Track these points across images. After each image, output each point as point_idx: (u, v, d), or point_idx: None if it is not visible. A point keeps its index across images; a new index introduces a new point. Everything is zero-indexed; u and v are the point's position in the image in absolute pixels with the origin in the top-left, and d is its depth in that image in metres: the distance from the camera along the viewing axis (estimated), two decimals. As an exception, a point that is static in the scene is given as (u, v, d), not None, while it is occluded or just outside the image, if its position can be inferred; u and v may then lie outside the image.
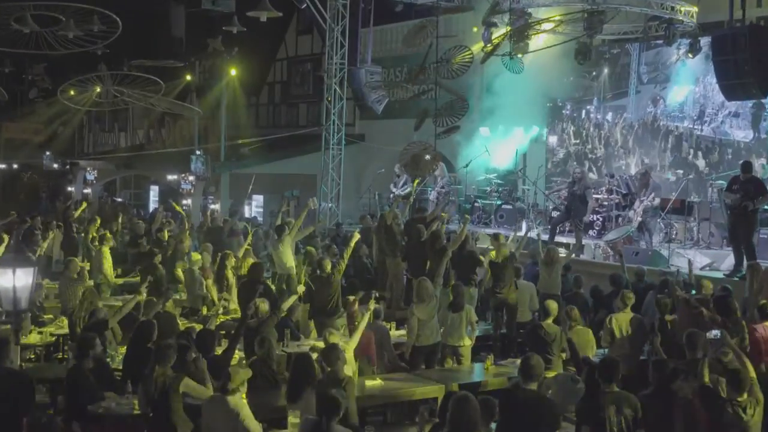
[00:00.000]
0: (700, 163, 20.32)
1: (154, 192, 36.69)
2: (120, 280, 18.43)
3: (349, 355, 10.87)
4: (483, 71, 24.28)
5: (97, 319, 11.11)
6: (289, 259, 15.98)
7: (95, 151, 43.96)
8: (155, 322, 10.54)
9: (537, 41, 21.49)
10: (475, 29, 20.10)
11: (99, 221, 20.46)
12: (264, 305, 11.69)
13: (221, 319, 14.82)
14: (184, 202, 29.47)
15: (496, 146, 23.66)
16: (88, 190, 36.51)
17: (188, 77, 32.10)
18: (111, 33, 20.50)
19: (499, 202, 21.86)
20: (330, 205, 25.12)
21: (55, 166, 39.09)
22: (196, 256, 16.40)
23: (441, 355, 12.86)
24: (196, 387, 8.55)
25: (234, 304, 14.97)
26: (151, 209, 35.37)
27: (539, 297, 14.76)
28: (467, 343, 12.85)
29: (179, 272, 16.86)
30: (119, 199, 36.18)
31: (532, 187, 21.82)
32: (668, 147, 21.24)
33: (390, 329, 13.75)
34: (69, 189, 37.70)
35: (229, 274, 15.63)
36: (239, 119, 31.58)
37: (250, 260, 16.05)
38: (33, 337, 12.82)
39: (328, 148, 25.02)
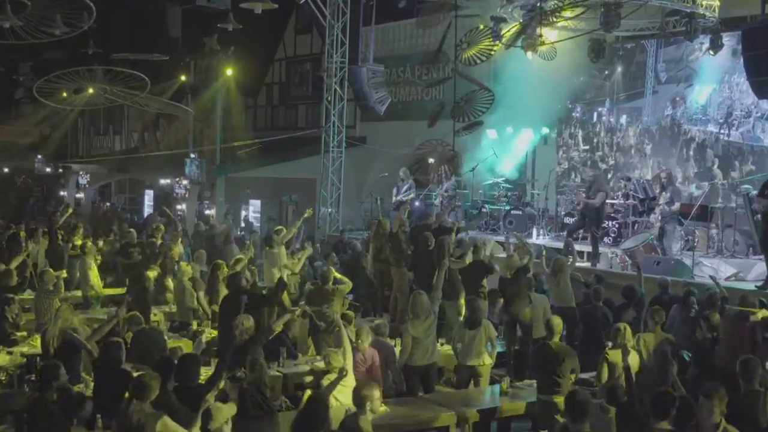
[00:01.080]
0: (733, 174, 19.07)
1: (148, 196, 35.71)
2: (110, 291, 17.40)
3: (349, 381, 9.82)
4: (489, 69, 23.29)
5: (72, 340, 9.99)
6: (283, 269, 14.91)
7: (89, 154, 42.85)
8: (121, 342, 9.40)
9: (548, 37, 20.52)
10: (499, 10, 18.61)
11: (81, 229, 19.37)
12: (248, 321, 10.59)
13: (213, 334, 13.79)
14: (179, 207, 28.46)
15: (504, 148, 22.55)
16: (80, 195, 35.51)
17: (183, 77, 30.97)
18: (80, 23, 19.26)
19: (507, 207, 20.79)
20: (330, 210, 24.05)
21: (48, 169, 38.04)
22: (185, 266, 15.26)
23: (458, 377, 11.86)
24: (177, 430, 7.42)
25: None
26: (146, 214, 34.48)
27: (553, 312, 13.72)
28: (488, 361, 11.77)
29: (169, 282, 15.79)
30: (112, 204, 35.08)
31: (542, 191, 20.69)
32: (690, 155, 20.06)
33: (396, 346, 12.71)
34: (61, 193, 36.65)
35: (222, 285, 14.52)
36: (236, 121, 30.48)
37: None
38: (2, 358, 11.72)
39: (328, 150, 23.98)
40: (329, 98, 23.73)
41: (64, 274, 15.24)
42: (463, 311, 12.79)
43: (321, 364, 11.26)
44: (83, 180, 35.23)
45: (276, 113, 33.53)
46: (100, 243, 17.94)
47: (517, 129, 22.35)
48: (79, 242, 18.33)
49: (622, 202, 18.29)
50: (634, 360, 10.00)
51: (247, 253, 18.07)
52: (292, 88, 32.55)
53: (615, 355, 10.03)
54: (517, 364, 13.20)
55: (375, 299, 16.41)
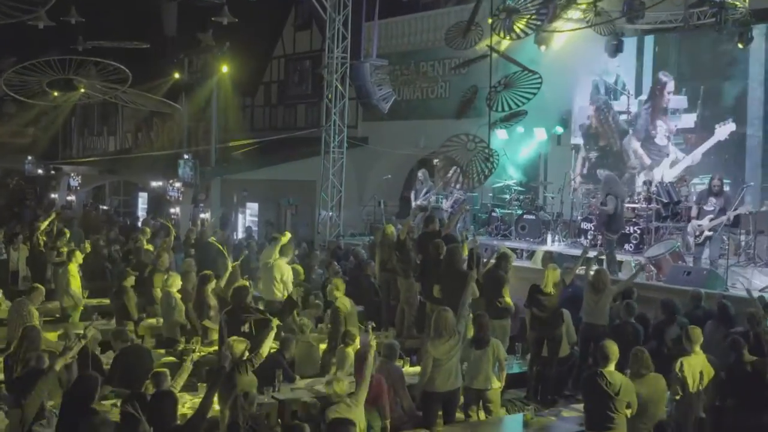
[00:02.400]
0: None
1: (142, 199, 34.48)
2: (94, 301, 16.16)
3: (359, 413, 8.59)
4: (497, 65, 22.03)
5: (35, 367, 8.71)
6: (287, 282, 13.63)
7: (83, 156, 41.60)
8: (96, 377, 8.13)
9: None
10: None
11: (69, 234, 18.14)
12: (240, 345, 9.37)
13: (203, 352, 12.56)
14: (172, 210, 27.22)
15: (515, 149, 21.29)
16: (72, 197, 34.25)
17: (177, 75, 29.69)
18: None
19: (519, 212, 19.55)
20: (331, 214, 22.80)
21: (40, 171, 36.78)
22: (174, 276, 14.00)
23: (465, 400, 10.58)
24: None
25: (216, 334, 12.63)
26: (140, 217, 33.25)
27: (582, 327, 12.49)
28: (496, 385, 10.60)
29: (158, 293, 14.52)
30: (105, 207, 33.82)
31: (557, 194, 19.42)
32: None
33: (403, 365, 11.48)
34: (52, 196, 35.41)
35: (210, 298, 13.28)
36: (232, 120, 29.20)
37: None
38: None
39: (329, 151, 22.75)
40: (330, 96, 22.50)
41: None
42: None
43: (322, 387, 10.05)
44: (74, 182, 33.96)
45: (274, 113, 32.24)
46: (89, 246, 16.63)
47: (528, 128, 21.06)
48: (65, 249, 17.11)
49: (644, 206, 17.07)
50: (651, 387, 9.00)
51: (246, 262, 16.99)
52: (291, 86, 31.28)
53: (637, 385, 8.92)
54: (539, 387, 12.01)
55: (381, 311, 15.15)
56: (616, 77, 20.24)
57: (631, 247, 17.00)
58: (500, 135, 21.40)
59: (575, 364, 12.43)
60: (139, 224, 28.38)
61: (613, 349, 8.83)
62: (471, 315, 11.10)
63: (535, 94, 18.45)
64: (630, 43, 19.27)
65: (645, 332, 11.98)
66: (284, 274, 13.69)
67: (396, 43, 25.86)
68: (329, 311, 12.79)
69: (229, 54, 27.53)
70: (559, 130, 21.00)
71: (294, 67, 31.04)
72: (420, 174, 20.82)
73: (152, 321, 14.65)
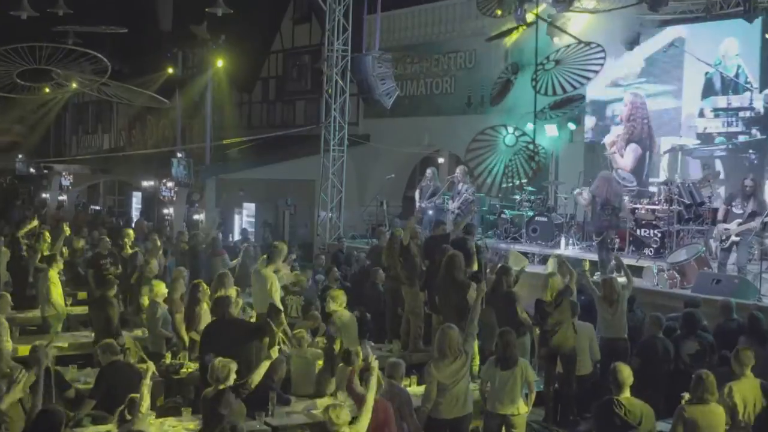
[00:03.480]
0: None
1: (136, 199, 33.41)
2: (79, 309, 15.12)
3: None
4: (506, 57, 21.02)
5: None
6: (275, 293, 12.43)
7: (78, 154, 40.55)
8: (60, 412, 7.03)
9: (578, 22, 18.28)
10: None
11: (48, 238, 17.06)
12: (226, 368, 8.29)
13: (190, 369, 11.50)
14: (165, 211, 26.15)
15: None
16: (63, 197, 33.19)
17: (170, 70, 28.57)
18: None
19: (530, 214, 18.45)
20: (331, 215, 21.71)
21: (32, 170, 35.68)
22: (158, 284, 12.91)
23: (485, 426, 9.57)
24: None
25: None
26: (134, 218, 32.22)
27: (600, 343, 11.43)
28: (523, 410, 9.52)
29: (146, 301, 13.42)
30: (97, 207, 32.77)
31: (570, 195, 18.31)
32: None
33: (409, 385, 10.41)
34: (44, 195, 34.35)
35: (203, 308, 12.19)
36: (228, 117, 28.09)
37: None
38: None
39: (329, 149, 21.67)
40: (329, 91, 21.42)
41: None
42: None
43: (321, 408, 9.02)
44: (66, 181, 32.88)
45: (272, 109, 31.13)
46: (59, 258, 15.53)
47: (538, 125, 19.93)
48: (46, 251, 16.04)
49: (665, 207, 15.98)
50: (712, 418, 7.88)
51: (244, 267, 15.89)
52: (290, 82, 30.16)
53: (696, 412, 7.75)
54: (557, 408, 10.94)
55: (388, 321, 14.10)
56: (737, 68, 16.92)
57: (650, 251, 15.91)
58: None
59: (597, 381, 11.35)
60: (133, 225, 27.48)
61: (626, 373, 7.86)
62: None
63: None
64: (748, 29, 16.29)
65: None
66: (272, 283, 12.48)
67: (399, 36, 24.76)
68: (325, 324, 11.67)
69: (225, 48, 26.48)
70: (572, 127, 19.82)
71: (293, 62, 29.92)
72: (429, 172, 19.64)
73: (138, 332, 13.62)
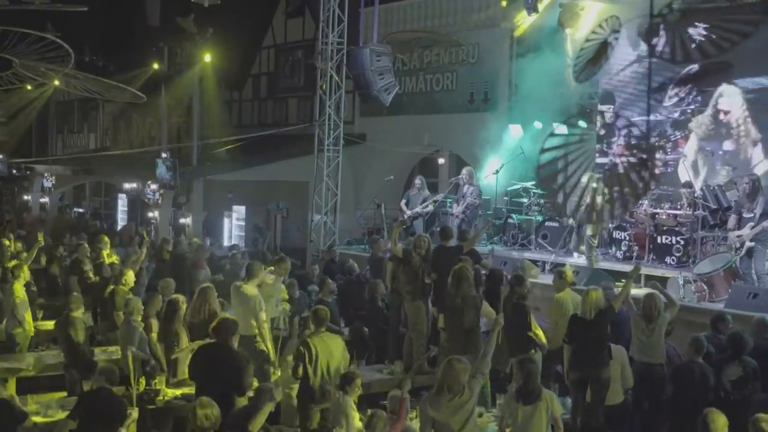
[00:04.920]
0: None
1: (122, 201, 32.10)
2: (50, 323, 13.77)
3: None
4: (511, 50, 19.75)
5: None
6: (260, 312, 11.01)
7: (63, 154, 39.19)
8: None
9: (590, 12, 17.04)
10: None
11: (12, 243, 15.77)
12: (211, 413, 7.01)
13: (168, 396, 10.20)
14: (150, 214, 24.84)
15: (532, 148, 18.83)
16: (45, 199, 31.85)
17: (156, 65, 27.21)
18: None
19: (540, 218, 17.19)
20: (325, 219, 20.39)
21: (15, 171, 34.31)
22: (133, 300, 11.59)
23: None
24: None
25: (185, 373, 10.21)
26: (119, 221, 30.97)
27: (633, 368, 10.11)
28: (549, 451, 8.18)
29: (120, 317, 12.10)
30: (81, 210, 31.45)
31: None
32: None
33: (415, 417, 9.11)
34: (25, 197, 33.01)
35: (180, 329, 10.87)
36: (216, 115, 26.69)
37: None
38: None
39: (323, 149, 20.34)
40: (324, 86, 20.06)
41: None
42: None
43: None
44: (48, 183, 31.53)
45: (263, 107, 29.74)
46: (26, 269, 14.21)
47: (547, 123, 18.66)
48: (11, 263, 14.69)
49: (688, 213, 14.72)
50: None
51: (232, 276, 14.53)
52: (282, 79, 28.79)
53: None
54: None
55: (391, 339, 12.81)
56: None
57: (673, 260, 14.67)
58: (514, 131, 19.02)
59: (628, 412, 10.06)
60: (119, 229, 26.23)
61: (720, 423, 6.47)
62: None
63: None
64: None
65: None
66: (256, 302, 11.04)
67: (396, 30, 23.42)
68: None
69: (214, 44, 25.14)
70: (582, 124, 18.51)
71: (285, 58, 28.54)
72: (417, 180, 18.46)
73: (113, 349, 12.32)
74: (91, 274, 15.24)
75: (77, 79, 19.76)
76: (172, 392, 10.35)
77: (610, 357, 9.52)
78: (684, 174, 16.34)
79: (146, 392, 10.31)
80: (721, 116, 16.14)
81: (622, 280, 14.43)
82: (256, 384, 8.74)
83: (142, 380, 10.55)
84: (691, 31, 16.04)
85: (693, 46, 16.16)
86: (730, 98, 15.98)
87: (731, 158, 15.93)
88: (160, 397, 10.22)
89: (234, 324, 9.21)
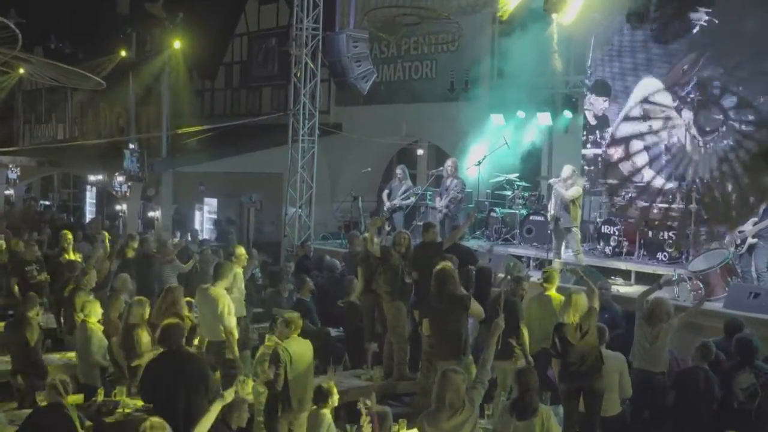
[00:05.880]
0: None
1: (90, 194, 31.14)
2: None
3: None
4: (493, 37, 19.02)
5: None
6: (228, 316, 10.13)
7: (31, 144, 38.16)
8: None
9: None
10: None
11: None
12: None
13: (128, 410, 9.38)
14: (118, 207, 23.96)
15: (513, 138, 18.10)
16: (10, 191, 30.84)
17: (123, 52, 26.25)
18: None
19: (524, 212, 16.48)
20: (299, 212, 19.57)
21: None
22: (91, 302, 10.75)
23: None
24: None
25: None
26: (87, 214, 30.05)
27: (633, 375, 9.39)
28: (545, 470, 7.42)
29: (79, 319, 11.21)
30: (47, 203, 30.48)
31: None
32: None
33: (399, 429, 8.37)
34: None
35: (142, 334, 10.05)
36: (187, 104, 25.79)
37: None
38: None
39: (297, 140, 19.50)
40: (298, 74, 19.20)
41: None
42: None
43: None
44: (13, 174, 30.50)
45: (236, 97, 28.82)
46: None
47: (530, 113, 17.95)
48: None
49: (681, 206, 14.06)
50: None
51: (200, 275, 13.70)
52: (255, 67, 27.90)
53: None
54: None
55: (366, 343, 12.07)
56: None
57: (664, 256, 14.00)
58: (496, 120, 18.32)
59: (626, 424, 9.34)
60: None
61: None
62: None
63: None
64: None
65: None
66: (224, 305, 10.20)
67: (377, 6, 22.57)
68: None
69: (184, 30, 24.22)
70: (568, 115, 17.79)
71: (258, 46, 27.65)
72: (399, 171, 17.68)
73: (71, 355, 11.48)
74: (35, 273, 14.38)
75: (30, 63, 18.78)
76: (134, 403, 9.52)
77: (602, 362, 8.77)
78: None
79: (104, 404, 9.50)
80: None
81: (613, 278, 14.01)
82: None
83: (101, 390, 9.74)
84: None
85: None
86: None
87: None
88: (120, 409, 9.39)
89: (180, 328, 8.32)
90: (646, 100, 15.89)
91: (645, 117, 15.90)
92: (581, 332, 8.68)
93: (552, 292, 10.64)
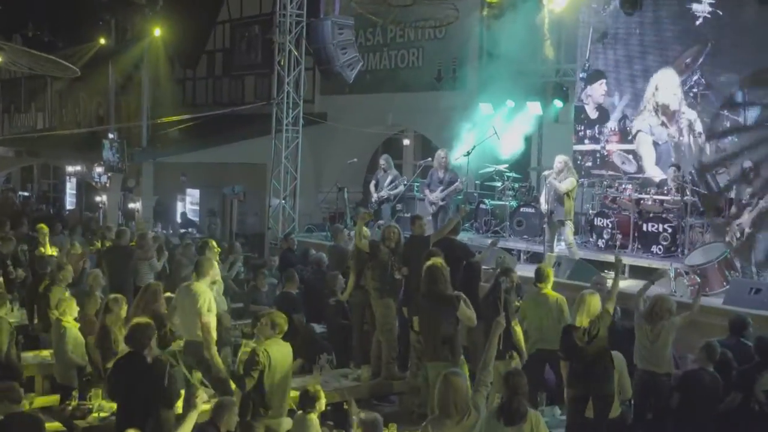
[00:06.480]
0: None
1: (71, 185, 30.59)
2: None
3: None
4: (482, 25, 18.61)
5: None
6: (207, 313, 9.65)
7: (9, 134, 37.50)
8: None
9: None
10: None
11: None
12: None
13: (104, 413, 8.96)
14: (98, 198, 23.45)
15: (502, 128, 17.63)
16: (-14, 182, 30.37)
17: (102, 40, 25.69)
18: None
19: (514, 204, 16.07)
20: (284, 203, 19.11)
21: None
22: (67, 299, 10.29)
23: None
24: None
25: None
26: (68, 207, 29.52)
27: (636, 376, 9.00)
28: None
29: (54, 316, 10.76)
30: (26, 194, 29.91)
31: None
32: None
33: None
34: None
35: (118, 334, 9.58)
36: (168, 93, 25.26)
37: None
38: None
39: (281, 129, 19.03)
40: (282, 62, 18.71)
41: None
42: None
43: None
44: (-10, 165, 30.04)
45: (218, 86, 28.27)
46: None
47: (520, 102, 17.51)
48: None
49: (676, 198, 13.68)
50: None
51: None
52: (238, 55, 27.34)
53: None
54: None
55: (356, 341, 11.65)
56: None
57: (659, 249, 13.61)
58: (484, 109, 17.87)
59: (627, 426, 8.95)
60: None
61: None
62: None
63: None
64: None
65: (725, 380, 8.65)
66: (206, 301, 9.77)
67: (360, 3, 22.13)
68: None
69: (165, 17, 23.63)
70: (558, 104, 17.36)
71: (241, 33, 27.10)
72: (382, 160, 17.17)
73: (45, 354, 11.04)
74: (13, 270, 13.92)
75: (3, 50, 18.22)
76: (110, 406, 9.07)
77: (613, 367, 8.37)
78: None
79: (78, 407, 9.06)
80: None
81: (606, 271, 13.60)
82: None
83: (75, 393, 9.30)
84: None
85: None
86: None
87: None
88: (95, 414, 8.96)
89: (149, 329, 7.85)
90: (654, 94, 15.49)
91: (653, 111, 15.51)
92: (590, 336, 8.26)
93: (548, 290, 10.21)
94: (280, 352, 8.22)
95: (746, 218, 12.17)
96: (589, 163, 16.46)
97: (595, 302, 8.36)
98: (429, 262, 9.38)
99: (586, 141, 16.67)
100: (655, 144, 15.50)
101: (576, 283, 11.99)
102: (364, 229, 11.40)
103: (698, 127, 14.54)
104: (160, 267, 13.60)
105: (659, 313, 9.00)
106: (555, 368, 9.31)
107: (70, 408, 9.11)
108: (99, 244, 13.97)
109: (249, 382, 8.02)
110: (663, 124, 15.39)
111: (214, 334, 9.37)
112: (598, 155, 16.40)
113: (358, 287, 11.31)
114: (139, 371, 7.56)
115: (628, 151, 15.87)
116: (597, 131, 16.48)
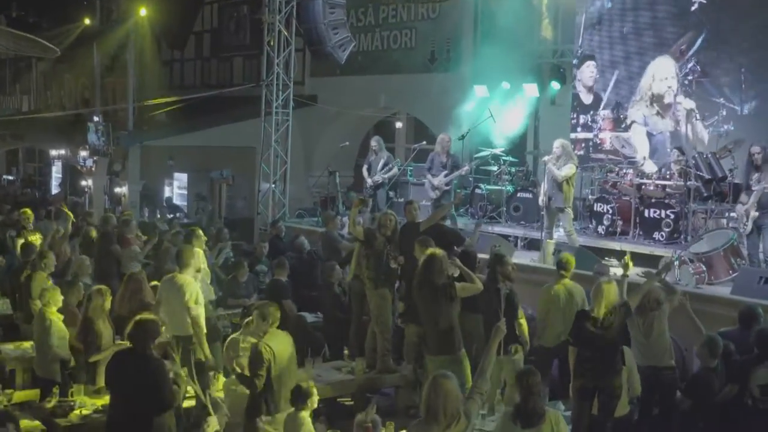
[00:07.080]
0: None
1: (56, 168, 30.10)
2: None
3: None
4: (476, 4, 18.39)
5: None
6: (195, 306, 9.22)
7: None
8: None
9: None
10: None
11: None
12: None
13: (86, 411, 8.50)
14: (84, 182, 22.98)
15: (497, 110, 17.20)
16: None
17: (87, 20, 25.18)
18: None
19: (511, 189, 15.66)
20: (273, 188, 18.68)
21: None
22: (52, 291, 9.82)
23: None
24: None
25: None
26: (54, 191, 29.03)
27: (640, 374, 8.62)
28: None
29: (36, 306, 10.32)
30: (10, 177, 29.39)
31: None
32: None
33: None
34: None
35: (103, 327, 9.14)
36: (155, 75, 24.79)
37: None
38: None
39: (271, 112, 18.65)
40: (271, 42, 18.27)
41: None
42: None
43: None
44: (-28, 150, 29.52)
45: (207, 67, 27.76)
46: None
47: (516, 84, 17.07)
48: None
49: (680, 183, 13.27)
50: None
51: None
52: (227, 36, 26.85)
53: None
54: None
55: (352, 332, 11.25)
56: None
57: (662, 236, 13.22)
58: (479, 92, 17.44)
59: (633, 425, 8.56)
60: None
61: None
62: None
63: None
64: None
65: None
66: (192, 294, 9.24)
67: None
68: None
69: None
70: (555, 86, 16.94)
71: (229, 13, 26.63)
72: (374, 142, 16.65)
73: (26, 346, 10.58)
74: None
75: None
76: (91, 403, 8.64)
77: (623, 362, 7.96)
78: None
79: (60, 405, 8.61)
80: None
81: (607, 258, 13.22)
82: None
83: (56, 389, 8.84)
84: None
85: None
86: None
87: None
88: (77, 411, 8.51)
89: (155, 326, 7.44)
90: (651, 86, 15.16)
91: (649, 101, 15.16)
92: (603, 326, 7.83)
93: (567, 281, 9.82)
94: (281, 344, 7.94)
95: (751, 201, 11.75)
96: (581, 152, 16.09)
97: (613, 291, 7.93)
98: (429, 251, 8.91)
99: (579, 129, 16.29)
100: (650, 135, 15.18)
101: (577, 272, 11.56)
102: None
103: (696, 115, 14.20)
104: (142, 257, 13.12)
105: (648, 305, 8.67)
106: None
107: (50, 404, 8.65)
108: (91, 231, 13.46)
109: (259, 381, 7.72)
110: (658, 113, 15.05)
111: (204, 327, 8.96)
112: (591, 143, 16.03)
113: (356, 277, 10.92)
114: (140, 371, 7.15)
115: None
116: (590, 119, 16.08)
